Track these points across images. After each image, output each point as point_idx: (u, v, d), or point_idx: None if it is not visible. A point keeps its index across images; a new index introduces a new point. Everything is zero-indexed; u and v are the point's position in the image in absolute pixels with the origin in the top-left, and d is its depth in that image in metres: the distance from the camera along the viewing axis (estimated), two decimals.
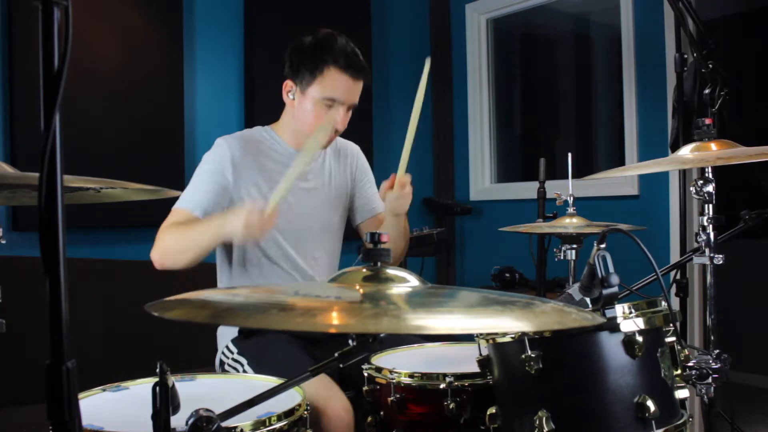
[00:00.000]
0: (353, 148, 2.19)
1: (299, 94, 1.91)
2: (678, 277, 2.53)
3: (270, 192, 1.86)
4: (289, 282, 1.95)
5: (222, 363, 1.92)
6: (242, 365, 1.82)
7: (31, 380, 1.43)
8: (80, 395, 1.20)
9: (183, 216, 1.84)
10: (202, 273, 2.93)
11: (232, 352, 1.88)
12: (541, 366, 1.18)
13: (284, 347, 1.80)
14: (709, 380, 1.49)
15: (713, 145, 1.60)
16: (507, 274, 3.48)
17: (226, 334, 1.94)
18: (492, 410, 1.31)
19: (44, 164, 0.72)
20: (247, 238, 1.72)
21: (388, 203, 1.90)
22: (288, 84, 1.94)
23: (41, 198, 0.72)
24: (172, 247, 1.79)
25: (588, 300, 1.21)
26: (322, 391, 1.58)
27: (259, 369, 1.75)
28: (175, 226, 1.83)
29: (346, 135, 2.16)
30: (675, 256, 3.07)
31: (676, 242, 2.98)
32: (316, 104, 1.87)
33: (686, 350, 1.38)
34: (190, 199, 1.86)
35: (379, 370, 1.55)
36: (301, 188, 1.99)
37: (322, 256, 2.04)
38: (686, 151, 1.63)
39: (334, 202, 2.08)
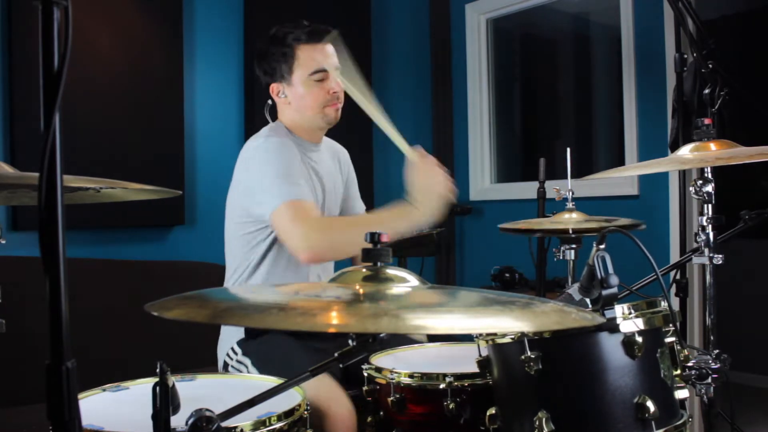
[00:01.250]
0: (344, 152, 2.25)
1: (287, 87, 1.95)
2: (678, 277, 2.53)
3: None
4: (300, 276, 1.97)
5: (226, 365, 1.91)
6: (246, 366, 1.82)
7: (31, 380, 1.43)
8: (80, 395, 1.20)
9: (309, 206, 1.79)
10: (202, 273, 2.94)
11: (236, 353, 1.88)
12: (540, 367, 1.18)
13: (290, 348, 1.81)
14: (709, 380, 1.49)
15: (712, 145, 1.60)
16: (507, 274, 3.47)
17: (231, 336, 1.94)
18: (492, 411, 1.30)
19: (44, 164, 0.72)
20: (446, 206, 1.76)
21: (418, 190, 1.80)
22: (274, 87, 1.98)
23: (41, 198, 0.72)
24: (343, 240, 1.74)
25: (587, 300, 1.21)
26: (325, 393, 1.58)
27: (263, 369, 1.75)
28: (337, 220, 1.83)
29: (345, 134, 2.16)
30: (675, 256, 3.07)
31: (676, 242, 2.98)
32: (307, 84, 1.92)
33: (686, 350, 1.38)
34: (300, 192, 1.79)
35: (379, 370, 1.55)
36: (314, 181, 2.01)
37: None
38: (686, 151, 1.63)
39: (334, 200, 2.12)
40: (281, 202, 1.77)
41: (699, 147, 1.61)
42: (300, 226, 1.74)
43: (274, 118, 2.06)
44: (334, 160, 2.17)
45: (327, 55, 1.93)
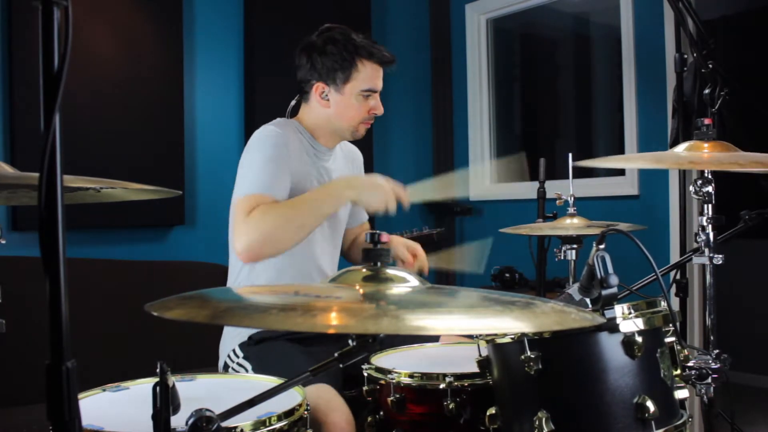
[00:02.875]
0: (359, 155, 2.26)
1: (335, 93, 1.95)
2: (678, 277, 2.53)
3: (299, 188, 1.90)
4: (301, 277, 1.97)
5: (226, 366, 1.91)
6: (246, 369, 1.82)
7: (31, 380, 1.43)
8: (80, 395, 1.20)
9: (269, 201, 1.75)
10: (202, 273, 2.95)
11: (237, 356, 1.88)
12: (540, 367, 1.18)
13: (291, 354, 1.80)
14: (709, 380, 1.49)
15: (705, 145, 1.59)
16: (507, 274, 3.47)
17: (233, 338, 1.93)
18: (492, 411, 1.30)
19: (44, 164, 0.72)
20: (377, 209, 1.80)
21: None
22: (320, 86, 1.96)
23: (41, 198, 0.72)
24: (277, 228, 1.71)
25: (587, 300, 1.21)
26: (324, 403, 1.57)
27: (262, 373, 1.75)
28: (275, 206, 1.74)
29: None
30: (675, 256, 3.07)
31: (676, 242, 2.98)
32: (356, 98, 1.94)
33: (686, 350, 1.38)
34: (269, 185, 1.77)
35: (379, 370, 1.55)
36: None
37: (334, 252, 2.08)
38: (681, 148, 1.62)
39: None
40: (243, 194, 1.78)
41: (692, 147, 1.60)
42: (237, 224, 1.74)
43: (293, 117, 2.06)
44: (348, 163, 2.17)
45: (380, 77, 1.98)
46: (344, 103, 1.95)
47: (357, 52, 1.92)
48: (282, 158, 1.84)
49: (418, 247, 2.05)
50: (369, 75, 1.94)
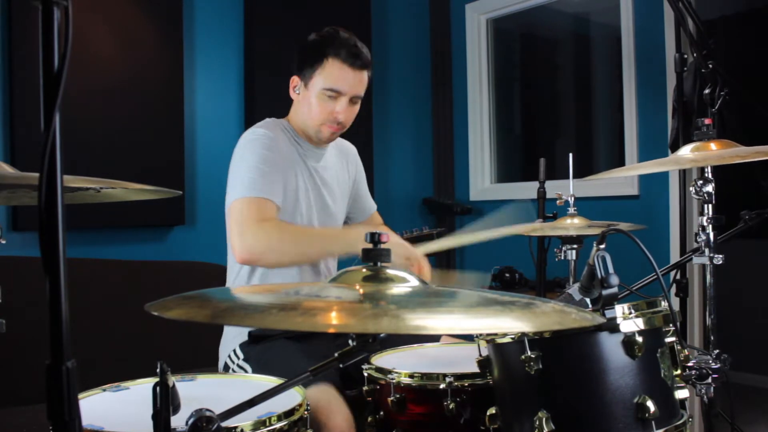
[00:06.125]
0: (353, 149, 2.23)
1: (303, 88, 1.95)
2: (678, 277, 2.53)
3: (289, 188, 1.90)
4: (303, 276, 1.97)
5: (227, 367, 1.91)
6: (246, 372, 1.82)
7: (31, 380, 1.43)
8: (80, 395, 1.20)
9: (269, 208, 1.76)
10: (202, 273, 2.94)
11: (238, 357, 1.88)
12: (540, 366, 1.18)
13: (292, 354, 1.80)
14: (709, 380, 1.49)
15: (713, 145, 1.60)
16: (507, 274, 3.48)
17: (234, 338, 1.93)
18: (492, 411, 1.30)
19: (44, 164, 0.72)
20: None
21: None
22: (294, 80, 1.98)
23: (41, 198, 0.72)
24: (284, 249, 1.75)
25: (588, 300, 1.21)
26: (325, 405, 1.57)
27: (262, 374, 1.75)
28: (289, 227, 1.79)
29: (345, 134, 2.17)
30: (675, 256, 3.07)
31: (676, 242, 2.98)
32: (319, 96, 1.90)
33: (686, 350, 1.38)
34: (267, 189, 1.78)
35: (379, 370, 1.55)
36: (316, 185, 2.01)
37: None
38: (686, 150, 1.63)
39: (340, 200, 2.12)
40: (242, 196, 1.76)
41: (699, 147, 1.61)
42: (243, 225, 1.73)
43: None
44: (341, 160, 2.15)
45: (351, 81, 1.89)
46: (306, 99, 1.93)
47: (330, 48, 1.88)
48: (274, 160, 1.84)
49: (422, 261, 1.81)
50: (334, 74, 1.88)
